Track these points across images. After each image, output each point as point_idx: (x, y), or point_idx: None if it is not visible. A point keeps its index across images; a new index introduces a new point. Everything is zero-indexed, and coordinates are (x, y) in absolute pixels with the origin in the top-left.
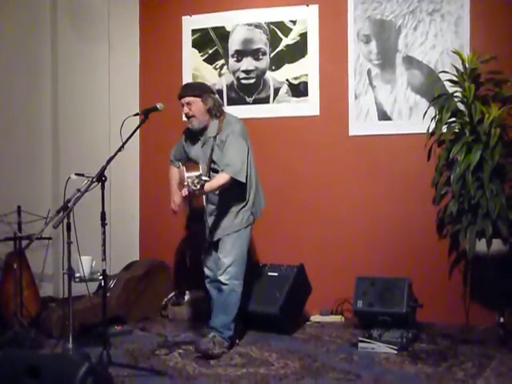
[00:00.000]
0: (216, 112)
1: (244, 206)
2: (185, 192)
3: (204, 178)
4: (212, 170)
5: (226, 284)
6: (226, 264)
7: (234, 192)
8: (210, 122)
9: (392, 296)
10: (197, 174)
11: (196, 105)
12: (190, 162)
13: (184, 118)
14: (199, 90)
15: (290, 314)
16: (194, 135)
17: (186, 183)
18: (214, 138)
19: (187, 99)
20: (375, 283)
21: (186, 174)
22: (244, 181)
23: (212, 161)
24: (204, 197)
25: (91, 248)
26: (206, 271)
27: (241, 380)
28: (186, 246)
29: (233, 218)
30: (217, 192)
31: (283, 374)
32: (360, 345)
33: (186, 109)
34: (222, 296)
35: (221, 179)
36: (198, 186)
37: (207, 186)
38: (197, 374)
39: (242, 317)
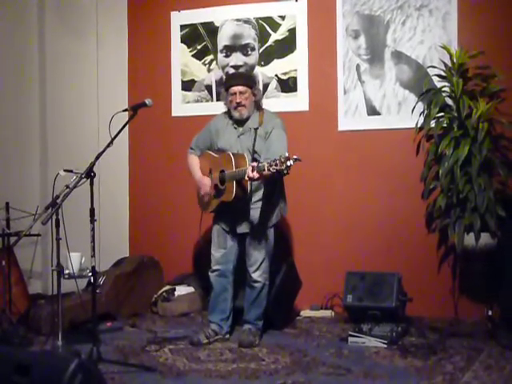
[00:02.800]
0: (259, 104)
1: (278, 202)
2: (255, 175)
3: (295, 156)
4: (253, 160)
5: (258, 281)
6: (259, 260)
7: (272, 186)
8: (251, 113)
9: (382, 290)
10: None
11: (248, 95)
12: (225, 151)
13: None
14: (251, 80)
15: (281, 309)
16: (229, 124)
17: (258, 164)
18: (256, 129)
19: (241, 88)
20: (365, 278)
21: (235, 160)
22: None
23: (254, 151)
24: (249, 187)
25: (80, 244)
26: (216, 265)
27: (231, 375)
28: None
29: (269, 214)
30: (255, 184)
31: (274, 368)
32: (350, 339)
33: (238, 97)
34: (253, 292)
35: None
36: (284, 167)
37: (266, 172)
38: (187, 370)
39: (233, 313)
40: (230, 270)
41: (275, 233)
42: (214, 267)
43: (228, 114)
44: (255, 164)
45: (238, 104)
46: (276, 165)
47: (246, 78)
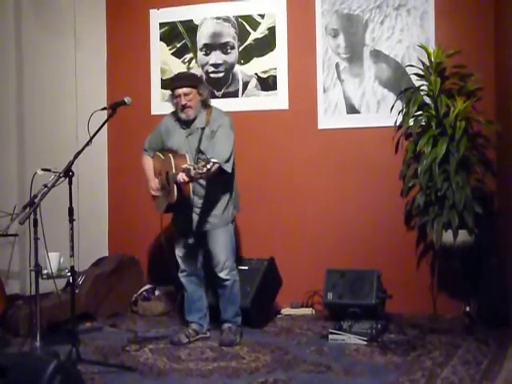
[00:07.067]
0: (207, 103)
1: (230, 199)
2: (185, 178)
3: (214, 160)
4: (197, 160)
5: (227, 280)
6: (222, 260)
7: (220, 183)
8: (198, 113)
9: (361, 288)
10: (189, 161)
11: (193, 96)
12: (170, 152)
13: (155, 110)
14: (195, 80)
15: (261, 308)
16: (178, 125)
17: (186, 167)
18: (202, 129)
19: (185, 90)
20: (345, 275)
21: (174, 162)
22: (230, 171)
23: (200, 151)
24: (191, 187)
25: (59, 244)
26: (182, 265)
27: (212, 374)
28: (162, 239)
29: (222, 212)
30: (203, 183)
31: (254, 367)
32: (330, 337)
33: (183, 100)
34: (225, 291)
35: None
36: (205, 170)
37: (194, 175)
38: (168, 370)
39: (213, 311)
40: (198, 268)
41: (235, 229)
42: (181, 267)
43: (176, 114)
44: (185, 166)
45: (184, 106)
46: (199, 168)
47: (189, 78)
